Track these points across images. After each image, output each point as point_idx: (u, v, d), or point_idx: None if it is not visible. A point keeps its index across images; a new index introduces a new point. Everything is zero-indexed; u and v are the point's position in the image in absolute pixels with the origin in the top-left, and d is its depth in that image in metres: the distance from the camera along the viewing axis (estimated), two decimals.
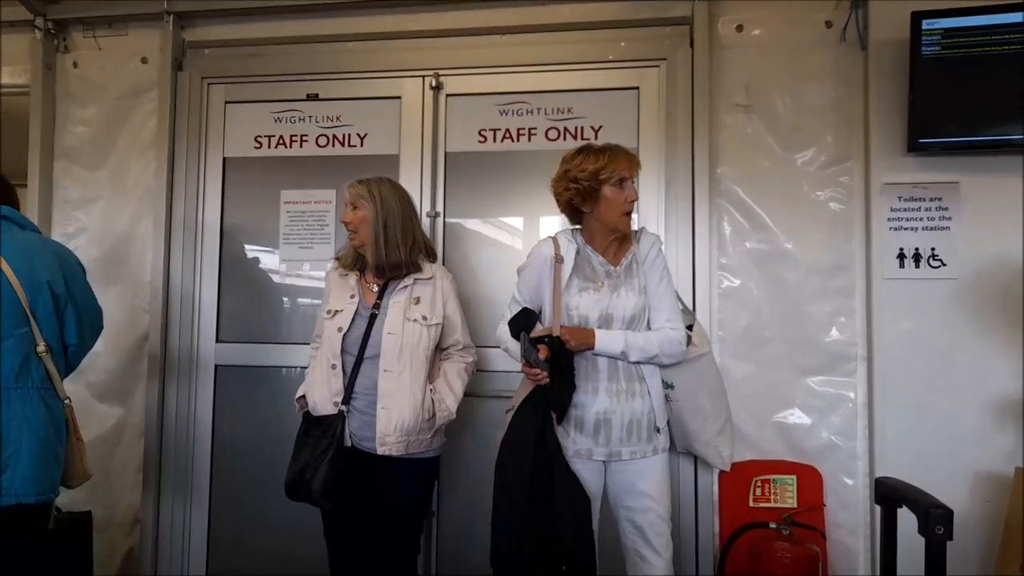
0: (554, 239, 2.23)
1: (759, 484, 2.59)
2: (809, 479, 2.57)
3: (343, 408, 2.18)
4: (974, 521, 2.36)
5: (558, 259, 2.17)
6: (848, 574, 2.55)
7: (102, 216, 3.06)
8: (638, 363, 2.12)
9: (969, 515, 2.38)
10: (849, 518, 2.56)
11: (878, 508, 1.93)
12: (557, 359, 2.05)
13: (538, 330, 2.11)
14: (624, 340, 2.09)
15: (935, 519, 1.59)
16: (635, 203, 2.15)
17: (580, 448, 2.10)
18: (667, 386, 2.23)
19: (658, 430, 2.14)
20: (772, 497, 2.58)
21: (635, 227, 2.27)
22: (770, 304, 2.64)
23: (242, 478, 2.93)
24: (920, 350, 2.49)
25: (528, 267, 2.23)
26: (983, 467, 2.43)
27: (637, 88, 2.77)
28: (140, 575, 2.91)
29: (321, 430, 2.18)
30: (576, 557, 2.03)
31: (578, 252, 2.18)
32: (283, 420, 2.78)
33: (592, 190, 2.10)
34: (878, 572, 2.41)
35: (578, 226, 2.25)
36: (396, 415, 2.15)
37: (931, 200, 2.51)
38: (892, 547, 1.85)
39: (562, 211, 2.25)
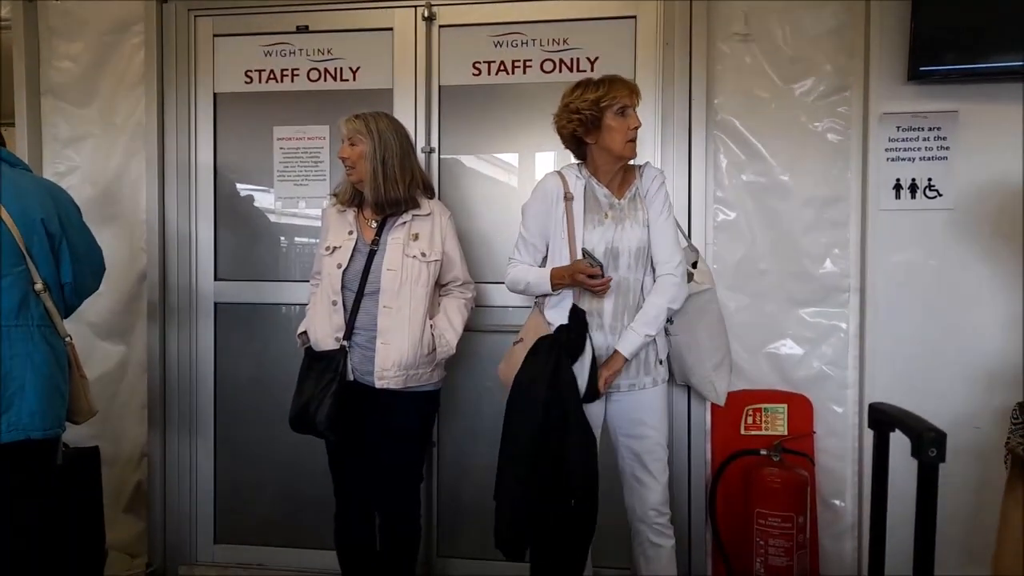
0: (560, 174, 2.22)
1: (751, 413, 2.65)
2: (799, 407, 2.63)
3: (345, 343, 2.21)
4: (963, 449, 2.42)
5: (568, 196, 2.17)
6: (835, 497, 2.64)
7: (93, 154, 3.01)
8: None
9: (958, 443, 2.43)
10: (837, 444, 2.63)
11: (867, 434, 1.98)
12: (576, 321, 2.11)
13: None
14: (642, 333, 2.11)
15: (928, 442, 1.62)
16: (638, 130, 2.14)
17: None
18: (667, 320, 2.26)
19: (660, 362, 2.20)
20: (763, 425, 2.64)
21: (647, 160, 2.27)
22: (765, 236, 2.64)
23: (246, 412, 2.98)
24: (913, 281, 2.52)
25: (534, 203, 2.22)
26: (972, 397, 2.49)
27: (634, 17, 2.71)
28: (150, 508, 2.99)
29: (323, 364, 2.21)
30: (582, 491, 2.09)
31: (585, 187, 2.18)
32: (284, 356, 2.82)
33: (595, 119, 2.10)
34: (866, 495, 2.51)
35: (580, 161, 2.25)
36: (395, 350, 2.18)
37: (929, 130, 2.49)
38: (884, 470, 1.89)
39: (566, 146, 2.24)
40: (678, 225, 2.31)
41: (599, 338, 2.14)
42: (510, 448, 2.12)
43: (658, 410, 2.20)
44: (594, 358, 2.11)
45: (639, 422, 2.18)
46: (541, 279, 2.16)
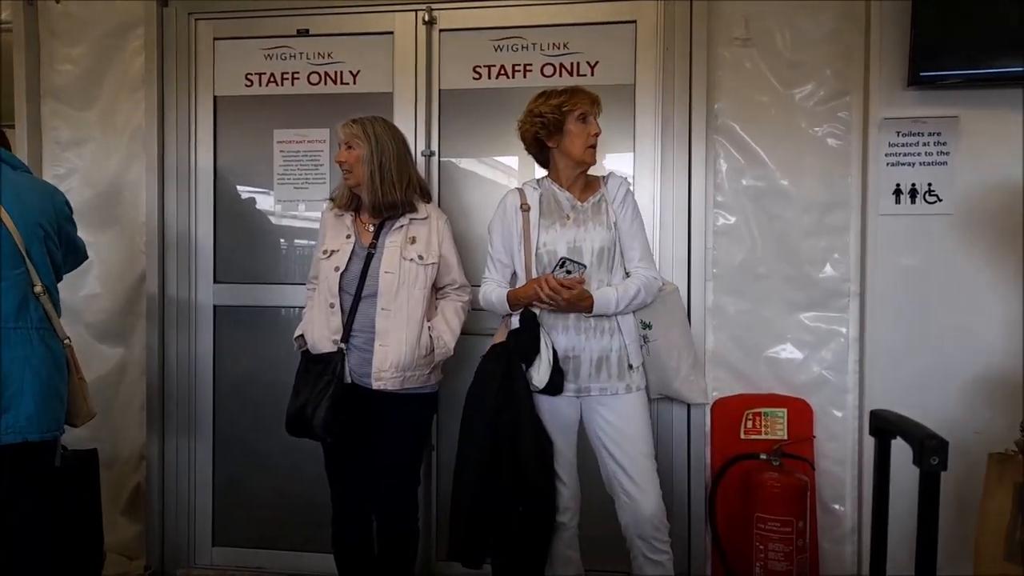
0: (519, 189, 2.28)
1: (750, 417, 2.65)
2: (799, 412, 2.63)
3: (342, 346, 2.21)
4: (963, 455, 2.41)
5: (524, 207, 2.21)
6: (835, 502, 2.63)
7: (93, 157, 3.01)
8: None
9: (959, 449, 2.42)
10: (837, 448, 2.62)
11: (867, 439, 1.97)
12: (527, 326, 2.13)
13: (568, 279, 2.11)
14: (616, 298, 2.12)
15: (930, 450, 1.61)
16: (598, 137, 2.18)
17: None
18: (645, 326, 2.28)
19: (631, 367, 2.18)
20: (763, 429, 2.64)
21: (610, 170, 2.34)
22: (764, 241, 2.64)
23: (245, 415, 2.98)
24: (913, 286, 2.52)
25: (495, 221, 2.29)
26: (973, 403, 2.47)
27: (634, 22, 2.71)
28: (148, 510, 2.98)
29: (321, 367, 2.21)
30: (538, 495, 2.12)
31: (542, 195, 2.23)
32: (283, 359, 2.81)
33: (557, 123, 2.15)
34: (865, 499, 2.50)
35: (544, 171, 2.31)
36: (393, 351, 2.19)
37: (929, 135, 2.49)
38: (885, 477, 1.89)
39: (528, 150, 2.30)
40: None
41: (563, 340, 2.16)
42: (463, 457, 2.16)
43: (636, 417, 2.17)
44: (556, 356, 2.13)
45: (616, 428, 2.15)
46: (500, 300, 2.21)
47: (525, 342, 2.12)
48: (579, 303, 2.08)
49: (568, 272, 2.04)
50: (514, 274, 2.27)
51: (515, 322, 2.20)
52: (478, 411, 2.13)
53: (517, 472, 2.08)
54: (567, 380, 2.15)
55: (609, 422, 2.16)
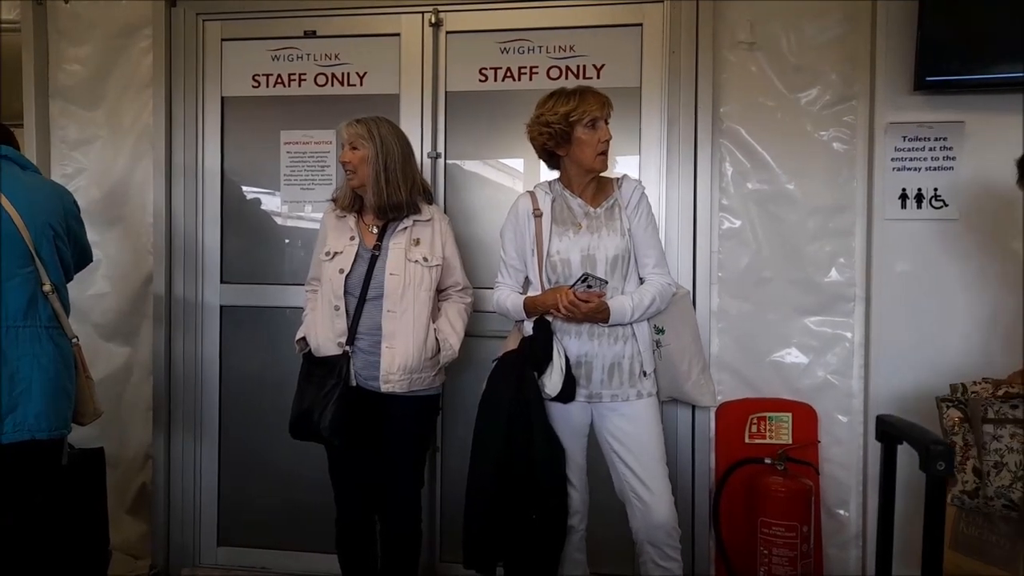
0: (531, 193, 2.25)
1: (755, 421, 2.65)
2: (804, 416, 2.63)
3: (347, 348, 2.22)
4: None
5: (536, 212, 2.19)
6: (839, 507, 2.63)
7: (101, 157, 3.03)
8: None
9: None
10: (842, 453, 2.62)
11: (872, 444, 1.98)
12: (541, 333, 2.12)
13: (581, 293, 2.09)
14: (631, 307, 2.11)
15: (935, 455, 1.62)
16: (609, 142, 2.15)
17: None
18: (658, 331, 2.26)
19: (644, 374, 2.17)
20: (767, 434, 2.64)
21: (620, 172, 2.30)
22: (770, 245, 2.65)
23: (251, 415, 2.99)
24: (919, 291, 2.52)
25: (507, 226, 2.27)
26: None
27: (640, 25, 2.72)
28: (154, 509, 2.99)
29: (325, 370, 2.21)
30: (550, 503, 2.12)
31: (554, 200, 2.20)
32: (289, 359, 2.80)
33: (564, 133, 2.11)
34: (870, 504, 2.50)
35: (555, 173, 2.28)
36: (400, 353, 2.19)
37: (935, 140, 2.49)
38: (891, 482, 1.89)
39: (539, 156, 2.27)
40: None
41: (576, 345, 2.14)
42: (476, 464, 2.16)
43: (648, 423, 2.16)
44: (568, 363, 2.12)
45: (628, 434, 2.14)
46: (516, 307, 2.19)
47: (538, 350, 2.11)
48: (596, 315, 2.07)
49: (589, 287, 2.02)
50: (527, 279, 2.26)
51: (528, 328, 2.18)
52: (491, 419, 2.13)
53: (530, 480, 2.08)
54: (579, 386, 2.14)
55: (621, 428, 2.15)
